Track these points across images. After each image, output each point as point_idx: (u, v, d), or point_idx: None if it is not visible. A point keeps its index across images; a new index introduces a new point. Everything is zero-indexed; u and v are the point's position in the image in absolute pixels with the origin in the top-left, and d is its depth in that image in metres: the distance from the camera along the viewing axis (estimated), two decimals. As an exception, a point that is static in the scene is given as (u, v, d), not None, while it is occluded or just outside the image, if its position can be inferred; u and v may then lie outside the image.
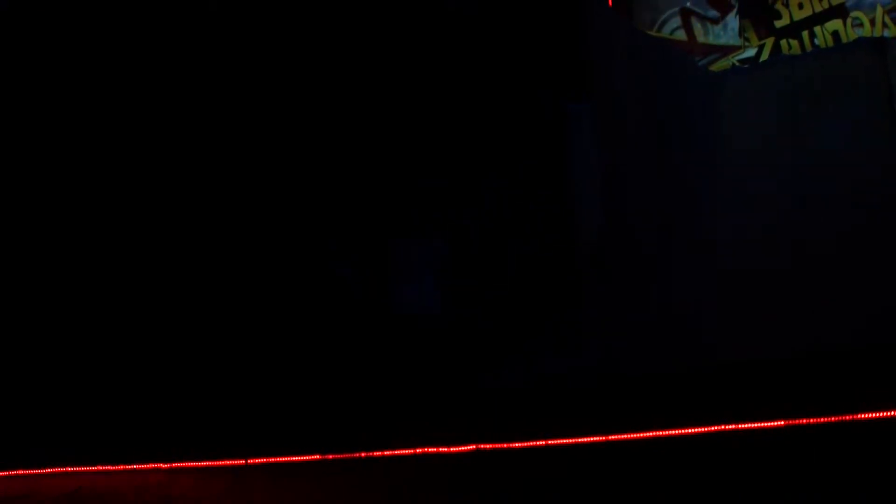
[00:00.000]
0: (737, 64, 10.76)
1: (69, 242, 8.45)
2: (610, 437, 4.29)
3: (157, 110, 8.56)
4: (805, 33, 10.43)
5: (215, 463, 5.27)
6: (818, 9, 10.36)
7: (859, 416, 3.80)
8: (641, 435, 4.22)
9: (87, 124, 8.45)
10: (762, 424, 4.03)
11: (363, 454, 4.90)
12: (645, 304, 7.26)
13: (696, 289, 7.61)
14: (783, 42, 10.57)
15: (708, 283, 7.67)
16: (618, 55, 7.69)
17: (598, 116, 7.70)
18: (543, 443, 4.41)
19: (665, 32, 11.30)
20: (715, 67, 10.77)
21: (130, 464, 5.40)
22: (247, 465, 5.18)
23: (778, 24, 10.62)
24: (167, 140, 8.60)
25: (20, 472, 5.57)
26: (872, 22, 9.98)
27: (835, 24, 10.23)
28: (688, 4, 11.23)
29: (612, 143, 7.60)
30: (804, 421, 3.95)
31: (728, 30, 10.96)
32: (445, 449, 4.65)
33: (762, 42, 10.71)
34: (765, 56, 10.60)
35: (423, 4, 8.99)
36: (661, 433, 4.18)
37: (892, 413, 3.74)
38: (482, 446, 4.58)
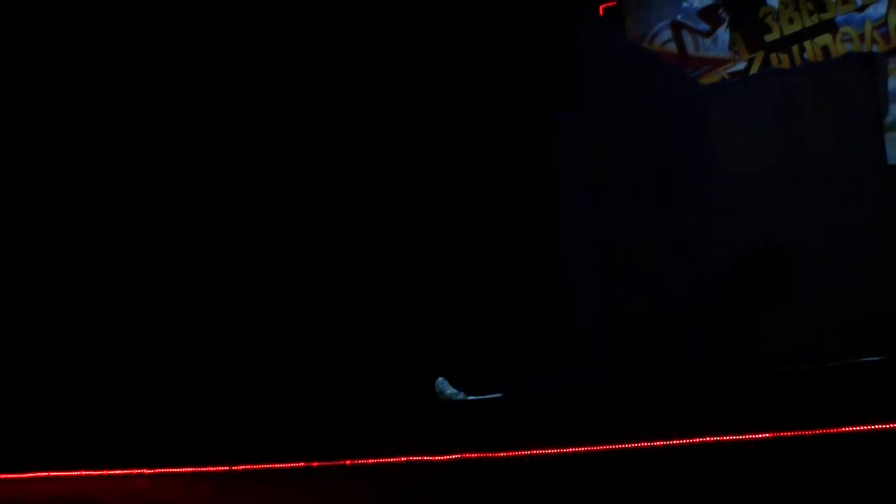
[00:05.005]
0: (726, 77, 10.81)
1: (46, 246, 8.42)
2: (598, 448, 4.28)
3: (157, 110, 8.57)
4: (795, 47, 10.49)
5: (200, 469, 5.25)
6: (808, 24, 10.42)
7: (845, 429, 3.80)
8: (630, 446, 4.21)
9: (87, 124, 8.45)
10: (746, 436, 4.02)
11: (348, 462, 4.88)
12: (636, 312, 7.28)
13: (687, 295, 7.65)
14: (773, 56, 10.63)
15: (699, 290, 7.73)
16: (608, 65, 7.72)
17: (588, 126, 7.73)
18: (528, 453, 4.39)
19: (656, 45, 11.35)
20: (705, 80, 10.82)
21: (115, 469, 5.38)
22: (231, 472, 5.15)
23: (768, 38, 10.67)
24: (165, 139, 8.60)
25: (5, 476, 5.55)
26: (862, 38, 10.04)
27: (824, 38, 10.29)
28: (678, 17, 11.28)
29: (602, 154, 7.63)
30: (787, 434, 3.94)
31: (718, 43, 11.01)
32: (430, 458, 4.63)
33: (752, 55, 10.76)
34: (754, 69, 10.66)
35: (407, 10, 8.99)
36: (650, 444, 4.17)
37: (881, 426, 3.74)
38: (467, 455, 4.57)
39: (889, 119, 9.18)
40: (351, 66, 8.93)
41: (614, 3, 11.60)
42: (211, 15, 8.62)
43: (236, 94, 8.70)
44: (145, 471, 5.28)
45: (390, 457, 4.76)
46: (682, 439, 4.06)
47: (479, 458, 4.50)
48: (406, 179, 8.93)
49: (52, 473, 5.44)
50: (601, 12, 11.47)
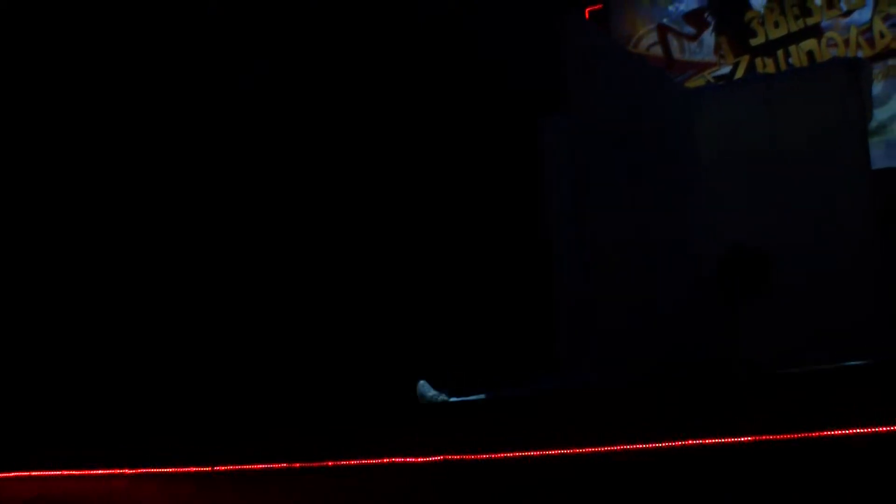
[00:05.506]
0: (712, 80, 10.82)
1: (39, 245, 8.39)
2: (579, 451, 4.27)
3: (157, 109, 8.56)
4: (780, 52, 10.51)
5: (180, 469, 5.21)
6: (793, 28, 10.44)
7: (830, 433, 3.80)
8: (616, 448, 4.20)
9: (88, 124, 8.43)
10: (728, 440, 4.01)
11: (330, 463, 4.86)
12: (621, 312, 7.27)
13: (671, 297, 7.66)
14: (758, 60, 10.64)
15: (683, 291, 7.74)
16: (593, 68, 7.71)
17: (572, 128, 7.71)
18: (513, 454, 4.38)
19: (641, 48, 11.36)
20: (690, 84, 10.84)
21: (93, 469, 5.35)
22: (212, 472, 5.12)
23: (753, 42, 10.69)
24: (165, 139, 8.59)
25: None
26: (847, 42, 10.07)
27: (809, 43, 10.32)
28: (664, 21, 11.29)
29: (587, 156, 7.61)
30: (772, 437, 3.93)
31: (704, 47, 11.02)
32: (412, 459, 4.61)
33: (737, 60, 10.78)
34: (739, 73, 10.68)
35: (406, 10, 9.00)
36: (635, 447, 4.15)
37: (861, 430, 3.74)
38: (450, 457, 4.55)
39: (873, 124, 9.21)
40: (350, 66, 8.94)
41: (600, 6, 11.59)
42: (211, 15, 8.61)
43: (236, 94, 8.70)
44: (125, 471, 5.24)
45: (372, 458, 4.74)
46: (678, 441, 4.06)
47: (462, 460, 4.49)
48: (404, 185, 8.95)
49: (32, 473, 5.40)
50: (587, 15, 11.46)
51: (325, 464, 4.86)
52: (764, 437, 3.87)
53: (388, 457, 4.68)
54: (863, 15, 10.02)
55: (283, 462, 5.00)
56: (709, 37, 10.99)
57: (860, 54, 9.88)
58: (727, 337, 7.58)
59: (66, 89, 8.35)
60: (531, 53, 9.13)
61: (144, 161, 8.53)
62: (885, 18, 9.91)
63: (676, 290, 7.84)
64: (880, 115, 9.68)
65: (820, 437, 3.76)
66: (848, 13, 10.10)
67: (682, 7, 11.16)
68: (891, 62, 9.84)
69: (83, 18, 8.26)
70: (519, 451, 4.35)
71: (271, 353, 8.39)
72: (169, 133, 8.57)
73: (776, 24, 10.52)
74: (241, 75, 8.61)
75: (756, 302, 7.60)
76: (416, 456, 4.59)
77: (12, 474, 5.45)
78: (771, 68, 10.52)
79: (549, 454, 4.26)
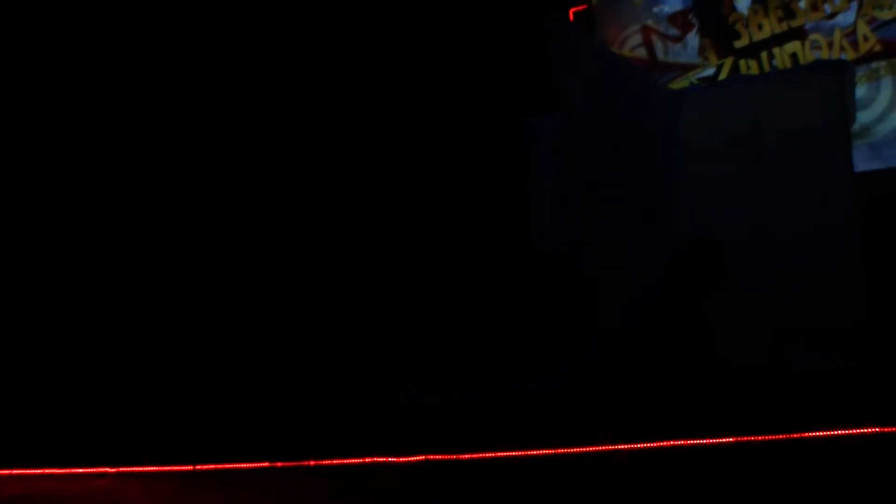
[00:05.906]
0: (695, 82, 10.85)
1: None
2: (559, 451, 4.26)
3: (157, 109, 8.54)
4: (764, 54, 10.55)
5: (163, 468, 5.19)
6: (777, 30, 10.47)
7: (830, 433, 3.81)
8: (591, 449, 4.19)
9: (88, 124, 8.40)
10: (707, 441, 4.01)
11: (312, 462, 4.85)
12: (601, 316, 7.27)
13: (653, 301, 7.67)
14: (742, 62, 10.67)
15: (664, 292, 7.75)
16: (578, 69, 7.71)
17: (560, 129, 7.71)
18: (511, 454, 4.38)
19: (626, 49, 11.37)
20: (674, 85, 10.85)
21: (77, 468, 5.31)
22: (195, 471, 5.10)
23: (737, 44, 10.72)
24: (165, 139, 8.57)
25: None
26: (830, 45, 10.10)
27: (793, 45, 10.35)
28: (649, 22, 11.30)
29: (570, 158, 7.62)
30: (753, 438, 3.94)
31: (688, 48, 11.04)
32: (394, 459, 4.61)
33: (721, 61, 10.80)
34: (723, 75, 10.70)
35: (406, 11, 9.00)
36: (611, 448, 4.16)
37: (860, 430, 3.76)
38: (431, 457, 4.55)
39: (856, 126, 9.24)
40: (350, 66, 8.94)
41: (584, 7, 11.60)
42: (211, 15, 8.61)
43: (236, 94, 8.70)
44: (109, 470, 5.22)
45: (354, 457, 4.73)
46: (678, 441, 4.06)
47: (459, 461, 4.48)
48: (398, 185, 8.96)
49: (14, 472, 5.37)
50: (571, 17, 11.47)
51: (307, 463, 4.85)
52: (763, 438, 3.88)
53: (370, 456, 4.68)
54: (847, 18, 10.06)
55: (270, 461, 4.99)
56: (693, 38, 11.01)
57: (844, 57, 9.92)
58: (703, 341, 7.60)
59: (66, 89, 8.32)
60: (520, 54, 9.13)
61: (144, 161, 8.51)
62: (869, 21, 9.96)
63: (657, 292, 7.84)
64: (863, 117, 9.72)
65: (819, 437, 3.77)
66: (832, 16, 10.15)
67: (667, 9, 11.19)
68: (874, 65, 9.90)
69: (83, 18, 8.23)
70: (517, 451, 4.35)
71: (259, 352, 8.37)
72: (169, 133, 8.55)
73: (760, 27, 10.56)
74: (241, 75, 8.59)
75: (713, 291, 7.63)
76: (413, 455, 4.59)
77: (-7, 472, 5.41)
78: (755, 70, 10.55)
79: (547, 454, 4.25)
